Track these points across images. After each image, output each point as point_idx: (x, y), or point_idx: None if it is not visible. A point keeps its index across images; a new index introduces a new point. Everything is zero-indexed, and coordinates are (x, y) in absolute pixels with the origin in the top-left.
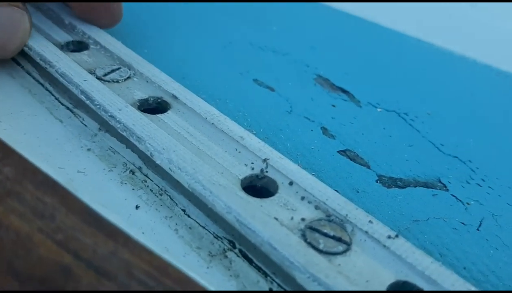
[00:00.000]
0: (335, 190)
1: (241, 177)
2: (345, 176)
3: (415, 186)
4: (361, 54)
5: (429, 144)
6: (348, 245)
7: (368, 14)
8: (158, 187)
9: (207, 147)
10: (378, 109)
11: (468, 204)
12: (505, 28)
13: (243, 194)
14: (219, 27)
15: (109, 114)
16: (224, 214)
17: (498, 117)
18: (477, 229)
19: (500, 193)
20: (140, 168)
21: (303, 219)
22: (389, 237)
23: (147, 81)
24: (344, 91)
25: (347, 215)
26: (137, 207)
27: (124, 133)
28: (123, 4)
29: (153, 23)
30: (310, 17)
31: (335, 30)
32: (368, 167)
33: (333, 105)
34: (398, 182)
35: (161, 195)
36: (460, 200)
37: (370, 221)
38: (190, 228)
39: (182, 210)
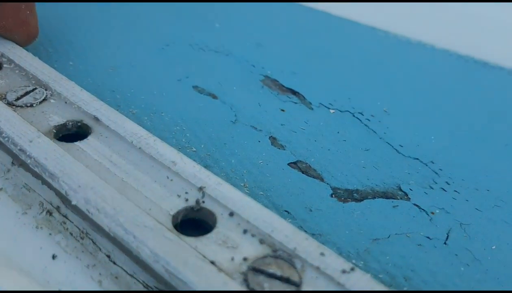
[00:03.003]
0: (286, 211)
1: (172, 212)
2: (296, 193)
3: (374, 197)
4: (311, 48)
5: (387, 147)
6: (297, 285)
7: (319, 4)
8: (79, 229)
9: (132, 178)
10: (331, 111)
11: (432, 213)
12: (462, 10)
13: (173, 236)
14: (155, 28)
15: (19, 147)
16: (151, 263)
17: (460, 106)
18: (444, 243)
19: (467, 197)
20: (58, 208)
21: (245, 259)
22: (344, 271)
23: (66, 102)
24: (294, 92)
25: (295, 248)
26: (54, 257)
27: (36, 169)
28: (48, 5)
29: (81, 27)
30: (255, 12)
31: (283, 22)
32: (322, 180)
33: (283, 110)
34: (355, 194)
35: (82, 238)
36: (423, 210)
37: (322, 253)
38: (116, 277)
39: (107, 256)
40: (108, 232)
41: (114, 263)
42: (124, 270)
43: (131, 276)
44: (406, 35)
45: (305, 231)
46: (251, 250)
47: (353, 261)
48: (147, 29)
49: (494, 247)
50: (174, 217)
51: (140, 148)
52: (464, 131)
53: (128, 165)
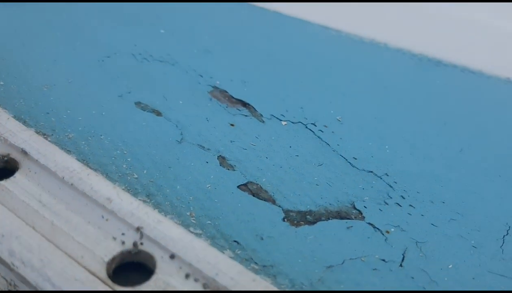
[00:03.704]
0: (235, 241)
1: (107, 258)
2: (247, 219)
3: (327, 218)
4: (261, 52)
5: (340, 160)
6: None
7: (269, 4)
8: (6, 280)
9: (63, 220)
10: (283, 123)
11: (388, 232)
12: (415, 9)
13: (106, 288)
14: (94, 37)
15: None
16: None
17: (414, 110)
18: (400, 265)
19: (423, 212)
20: None
21: None
22: None
23: None
24: (244, 104)
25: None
26: None
27: None
28: None
29: (14, 39)
30: (203, 13)
31: (233, 24)
32: (273, 202)
33: (232, 125)
34: (308, 216)
35: (10, 291)
36: (378, 229)
37: None
38: None
39: None
40: (35, 286)
41: None
42: None
43: None
44: (359, 34)
45: (256, 263)
46: None
47: None
48: (85, 39)
49: (450, 266)
50: (109, 264)
51: (72, 184)
52: (419, 137)
53: (59, 205)
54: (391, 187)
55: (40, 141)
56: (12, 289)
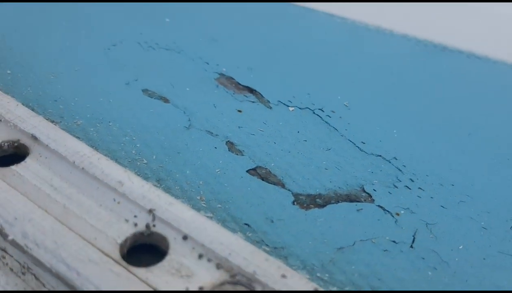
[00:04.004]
0: (246, 224)
1: (120, 240)
2: (256, 203)
3: (337, 201)
4: (267, 40)
5: (349, 145)
6: None
7: None
8: (20, 263)
9: (75, 204)
10: (290, 108)
11: (397, 214)
12: None
13: (120, 269)
14: (100, 27)
15: None
16: None
17: (421, 96)
18: (411, 246)
19: (432, 194)
20: None
21: (201, 288)
22: None
23: (1, 121)
24: (251, 90)
25: (255, 271)
26: None
27: None
28: None
29: (21, 30)
30: (208, 3)
31: (237, 14)
32: (283, 186)
33: (239, 111)
34: (318, 200)
35: (24, 274)
36: (388, 211)
37: (283, 275)
38: None
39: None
40: (50, 268)
41: None
42: None
43: None
44: (364, 21)
45: (267, 245)
46: (208, 277)
47: (318, 274)
48: (91, 29)
49: (461, 247)
50: (122, 246)
51: (83, 168)
52: (426, 122)
53: (71, 188)
54: (400, 170)
55: (50, 127)
56: (26, 271)
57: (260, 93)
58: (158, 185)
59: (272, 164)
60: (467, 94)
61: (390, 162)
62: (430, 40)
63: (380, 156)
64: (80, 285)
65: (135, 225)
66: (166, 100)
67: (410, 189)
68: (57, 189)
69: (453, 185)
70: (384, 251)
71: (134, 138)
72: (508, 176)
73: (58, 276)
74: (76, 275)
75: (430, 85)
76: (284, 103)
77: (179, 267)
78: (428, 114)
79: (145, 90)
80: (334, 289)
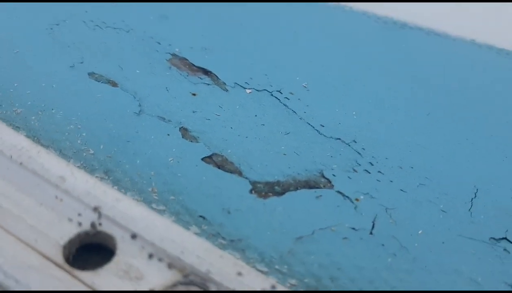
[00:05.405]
0: (201, 216)
1: (63, 242)
2: (212, 193)
3: (296, 188)
4: (222, 16)
5: (308, 128)
6: None
7: None
8: None
9: (13, 203)
10: (248, 91)
11: (357, 200)
12: None
13: (63, 273)
14: (41, 2)
15: None
16: None
17: (381, 75)
18: (370, 233)
19: (391, 178)
20: None
21: (152, 290)
22: (264, 291)
23: None
24: (206, 72)
25: (209, 270)
26: None
27: None
28: None
29: None
30: None
31: None
32: (240, 174)
33: (194, 94)
34: (276, 187)
35: None
36: (348, 197)
37: (239, 273)
38: None
39: None
40: None
41: None
42: None
43: None
44: None
45: (223, 238)
46: (159, 278)
47: (276, 267)
48: (31, 6)
49: (420, 231)
50: (65, 248)
51: (21, 163)
52: (386, 103)
53: (8, 186)
54: (359, 153)
55: None
56: None
57: (215, 75)
58: (106, 177)
59: (229, 151)
60: (426, 72)
61: (349, 145)
62: (390, 16)
63: (339, 139)
64: None
65: (80, 224)
66: (114, 84)
67: (369, 172)
68: None
69: (412, 168)
70: (344, 239)
71: (79, 126)
72: (466, 156)
73: None
74: (15, 283)
75: (390, 63)
76: (241, 85)
77: (127, 269)
78: (387, 94)
79: (91, 74)
80: (293, 281)
